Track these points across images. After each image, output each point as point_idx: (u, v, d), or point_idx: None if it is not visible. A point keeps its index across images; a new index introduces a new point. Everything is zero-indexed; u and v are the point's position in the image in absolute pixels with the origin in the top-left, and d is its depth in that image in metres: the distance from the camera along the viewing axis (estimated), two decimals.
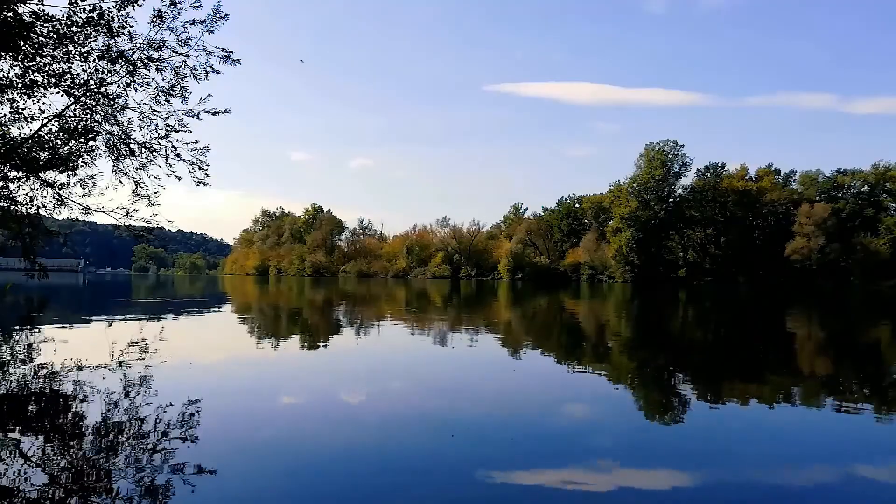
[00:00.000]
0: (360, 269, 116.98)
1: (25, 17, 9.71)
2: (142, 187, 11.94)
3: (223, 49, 11.24)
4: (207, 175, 12.02)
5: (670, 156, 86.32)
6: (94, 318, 16.73)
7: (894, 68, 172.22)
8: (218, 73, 11.35)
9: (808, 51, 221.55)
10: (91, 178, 11.82)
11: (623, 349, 11.17)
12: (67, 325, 13.79)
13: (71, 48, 10.28)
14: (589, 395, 6.76)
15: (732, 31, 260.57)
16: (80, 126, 11.15)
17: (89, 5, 10.05)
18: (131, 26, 10.51)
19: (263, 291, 40.50)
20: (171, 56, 11.05)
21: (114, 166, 11.83)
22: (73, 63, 10.48)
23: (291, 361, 9.10)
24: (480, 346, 11.40)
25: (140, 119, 11.53)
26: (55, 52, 10.23)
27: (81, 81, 10.73)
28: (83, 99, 11.03)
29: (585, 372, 8.39)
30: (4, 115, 10.65)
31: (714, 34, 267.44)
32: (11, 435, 4.59)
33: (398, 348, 10.83)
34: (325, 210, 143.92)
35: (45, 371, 7.25)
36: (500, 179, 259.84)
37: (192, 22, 10.80)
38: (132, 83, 11.12)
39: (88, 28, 10.18)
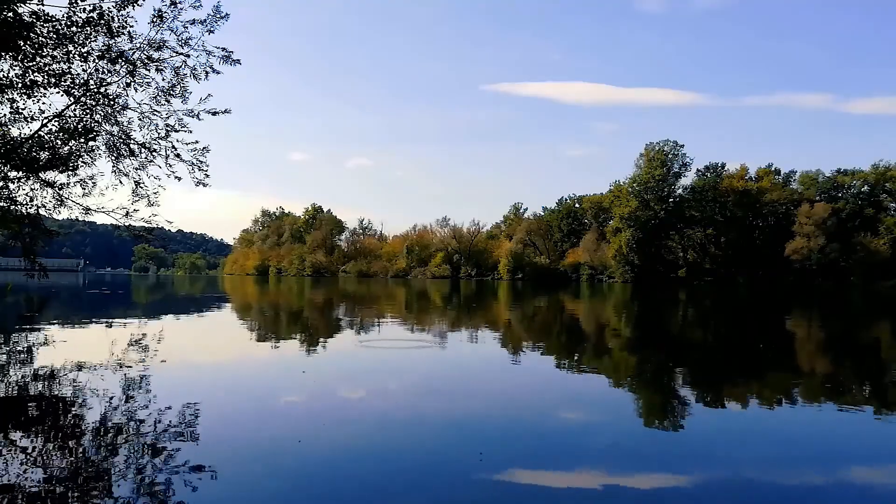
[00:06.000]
0: (360, 269, 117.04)
1: (25, 17, 9.71)
2: (142, 187, 11.97)
3: (223, 49, 11.28)
4: (207, 175, 12.04)
5: (670, 156, 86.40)
6: (94, 318, 16.72)
7: (891, 68, 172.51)
8: (218, 73, 11.38)
9: (805, 51, 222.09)
10: (91, 178, 11.85)
11: (623, 349, 11.17)
12: (67, 325, 13.78)
13: (71, 48, 10.29)
14: (589, 395, 6.76)
15: (728, 31, 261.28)
16: (80, 126, 11.16)
17: (89, 5, 10.07)
18: (131, 26, 10.54)
19: (263, 291, 40.50)
20: (171, 56, 11.08)
21: (114, 166, 11.86)
22: (73, 63, 10.50)
23: (291, 361, 9.10)
24: (481, 345, 11.40)
25: (140, 119, 11.56)
26: (55, 52, 10.24)
27: (81, 81, 10.74)
28: (83, 99, 11.03)
29: (585, 372, 8.39)
30: (4, 115, 10.67)
31: (710, 34, 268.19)
32: (11, 436, 4.58)
33: (398, 348, 10.82)
34: (324, 210, 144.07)
35: (44, 371, 7.25)
36: (499, 179, 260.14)
37: (192, 22, 10.83)
38: (132, 83, 11.14)
39: (88, 28, 10.19)
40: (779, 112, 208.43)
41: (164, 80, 11.25)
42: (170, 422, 4.99)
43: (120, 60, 10.75)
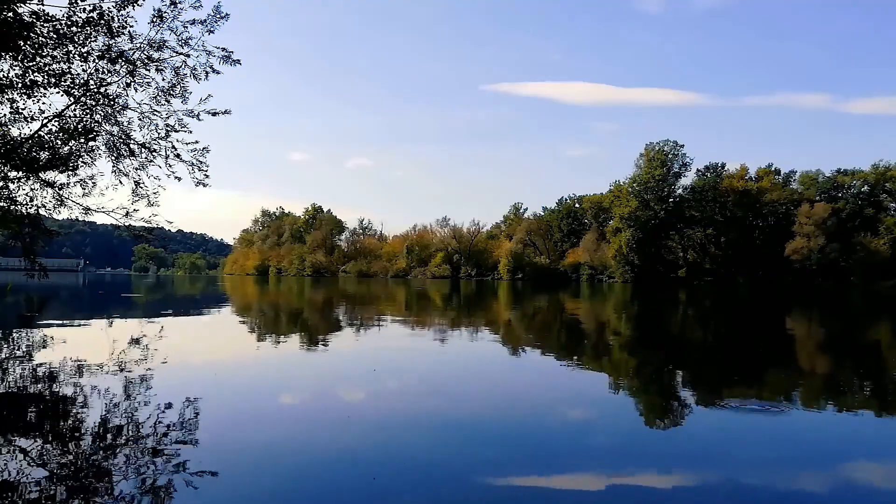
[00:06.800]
0: (360, 269, 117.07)
1: (25, 17, 9.71)
2: (142, 187, 11.97)
3: (223, 49, 11.29)
4: (207, 176, 12.05)
5: (670, 156, 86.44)
6: (94, 318, 16.72)
7: (891, 68, 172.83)
8: (218, 73, 11.39)
9: (805, 51, 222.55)
10: (91, 178, 11.84)
11: (623, 349, 11.16)
12: (67, 325, 13.78)
13: (71, 48, 10.30)
14: (589, 394, 6.76)
15: (728, 31, 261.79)
16: (80, 126, 11.16)
17: (89, 5, 10.07)
18: (131, 26, 10.55)
19: (263, 291, 40.50)
20: (172, 56, 11.08)
21: (114, 166, 11.86)
22: (73, 63, 10.51)
23: (292, 361, 9.10)
24: (481, 345, 11.40)
25: (140, 119, 11.56)
26: (55, 52, 10.24)
27: (81, 81, 10.74)
28: (83, 99, 11.03)
29: (585, 372, 8.39)
30: (4, 115, 10.67)
31: (710, 34, 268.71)
32: (11, 436, 4.58)
33: (398, 348, 10.82)
34: (324, 210, 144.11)
35: (44, 371, 7.25)
36: (499, 179, 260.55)
37: (193, 22, 10.83)
38: (132, 83, 11.15)
39: (88, 28, 10.19)
40: (779, 112, 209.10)
41: (164, 80, 11.26)
42: (170, 421, 4.99)
43: (120, 60, 10.75)
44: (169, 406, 5.51)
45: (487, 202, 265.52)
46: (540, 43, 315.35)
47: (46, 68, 10.30)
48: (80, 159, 11.53)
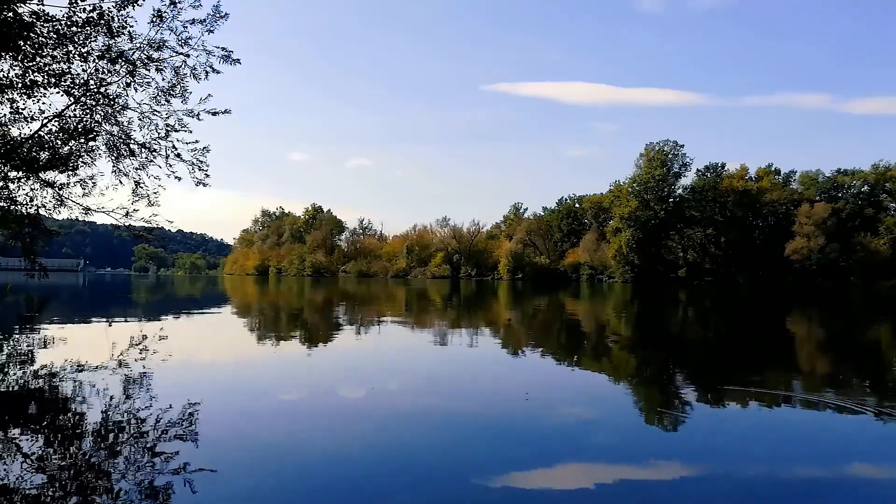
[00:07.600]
0: (360, 269, 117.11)
1: (25, 17, 9.71)
2: (142, 187, 11.96)
3: (223, 49, 11.28)
4: (208, 175, 12.04)
5: (670, 156, 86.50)
6: (94, 317, 16.72)
7: (891, 68, 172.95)
8: (218, 72, 11.38)
9: (805, 51, 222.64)
10: (91, 178, 11.84)
11: (623, 349, 11.16)
12: (67, 325, 13.77)
13: (71, 48, 10.30)
14: (589, 394, 6.76)
15: (728, 31, 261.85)
16: (80, 126, 11.16)
17: (89, 5, 10.07)
18: (131, 26, 10.55)
19: (263, 291, 40.49)
20: (171, 56, 11.08)
21: (114, 166, 11.86)
22: (73, 63, 10.51)
23: (291, 361, 9.10)
24: (480, 345, 11.40)
25: (140, 119, 11.56)
26: (55, 52, 10.24)
27: (81, 81, 10.74)
28: (83, 99, 11.03)
29: (585, 371, 8.39)
30: (4, 115, 10.67)
31: (710, 34, 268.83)
32: (11, 435, 4.58)
33: (398, 348, 10.83)
34: (324, 210, 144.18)
35: (44, 371, 7.25)
36: (499, 179, 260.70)
37: (192, 21, 10.83)
38: (132, 83, 11.14)
39: (88, 28, 10.19)
40: (779, 112, 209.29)
41: (164, 79, 11.26)
42: (170, 421, 4.99)
43: (120, 60, 10.75)
44: (169, 406, 5.51)
45: (487, 202, 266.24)
46: (540, 43, 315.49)
47: (46, 68, 10.29)
48: (80, 159, 11.53)
